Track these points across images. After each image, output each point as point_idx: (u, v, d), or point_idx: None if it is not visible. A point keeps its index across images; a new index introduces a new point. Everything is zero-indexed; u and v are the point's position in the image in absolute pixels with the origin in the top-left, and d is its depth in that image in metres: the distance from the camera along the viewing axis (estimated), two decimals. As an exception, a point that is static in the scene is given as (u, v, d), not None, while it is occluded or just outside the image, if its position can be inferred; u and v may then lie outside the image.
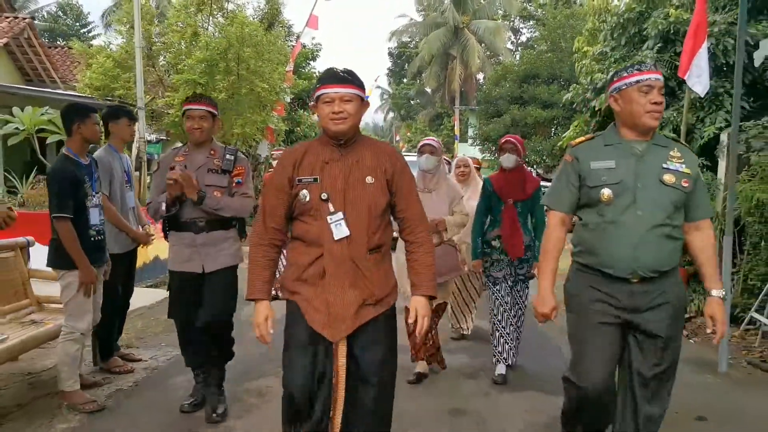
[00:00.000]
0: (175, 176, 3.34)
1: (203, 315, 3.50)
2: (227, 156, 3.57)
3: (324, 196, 2.41)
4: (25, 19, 13.74)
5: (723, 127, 6.87)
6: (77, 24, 40.93)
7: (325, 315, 2.40)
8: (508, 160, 4.50)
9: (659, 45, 7.62)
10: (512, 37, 41.11)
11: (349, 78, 2.44)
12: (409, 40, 42.23)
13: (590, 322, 2.61)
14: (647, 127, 2.54)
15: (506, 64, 25.71)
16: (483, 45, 35.83)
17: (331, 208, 2.40)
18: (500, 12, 37.65)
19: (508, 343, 4.54)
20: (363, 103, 2.47)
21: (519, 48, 39.29)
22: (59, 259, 3.45)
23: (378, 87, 42.97)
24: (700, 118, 7.15)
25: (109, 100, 12.39)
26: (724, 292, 2.67)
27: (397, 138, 35.62)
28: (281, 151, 7.01)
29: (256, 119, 12.43)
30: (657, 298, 2.54)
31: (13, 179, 9.22)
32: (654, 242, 2.49)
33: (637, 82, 2.51)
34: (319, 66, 20.17)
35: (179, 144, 8.13)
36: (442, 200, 4.33)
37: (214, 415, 3.50)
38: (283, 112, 14.81)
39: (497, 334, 4.54)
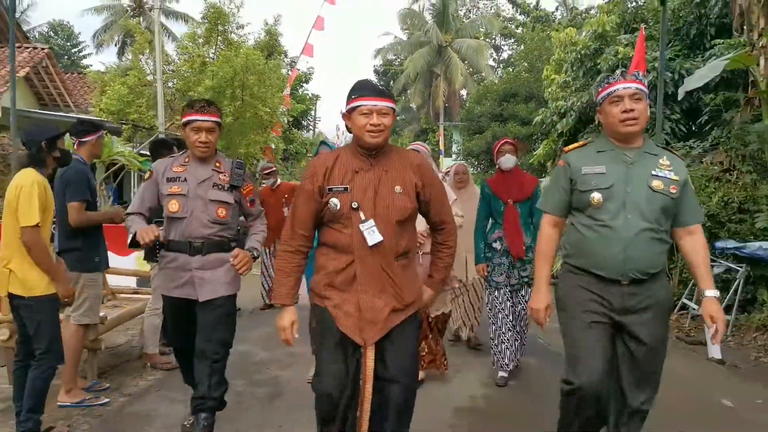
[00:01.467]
0: (243, 269, 3.20)
1: (198, 348, 3.25)
2: (236, 170, 3.29)
3: (354, 204, 2.45)
4: (44, 49, 14.83)
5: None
6: (68, 44, 41.78)
7: (356, 320, 2.46)
8: (508, 161, 4.52)
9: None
10: (494, 54, 42.56)
11: (386, 92, 2.52)
12: (394, 58, 43.40)
13: (583, 321, 2.64)
14: (624, 135, 2.60)
15: (487, 83, 27.04)
16: (466, 63, 37.09)
17: (362, 216, 2.45)
18: (482, 30, 39.02)
19: (509, 349, 4.53)
20: (395, 115, 2.55)
21: (501, 65, 40.76)
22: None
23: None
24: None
25: (123, 123, 13.56)
26: (717, 293, 2.67)
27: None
28: (271, 168, 7.53)
29: (258, 140, 13.67)
30: (646, 299, 2.58)
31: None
32: (643, 245, 2.53)
33: (608, 95, 2.62)
34: (311, 88, 21.44)
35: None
36: None
37: None
38: (280, 132, 16.04)
39: (499, 339, 4.56)
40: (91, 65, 38.24)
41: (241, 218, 3.48)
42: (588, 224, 2.62)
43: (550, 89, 10.75)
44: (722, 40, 8.16)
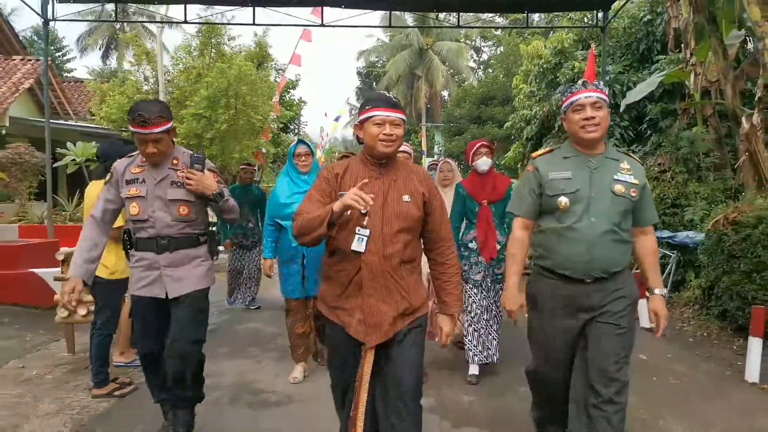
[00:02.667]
0: (194, 185, 3.03)
1: (168, 345, 3.17)
2: (195, 166, 3.08)
3: (364, 210, 2.43)
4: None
5: (612, 150, 9.30)
6: (52, 48, 42.04)
7: (364, 325, 2.53)
8: (485, 163, 4.55)
9: (568, 89, 10.11)
10: (474, 56, 43.65)
11: (398, 104, 2.59)
12: (376, 59, 44.34)
13: (552, 327, 2.81)
14: (586, 141, 2.71)
15: (466, 87, 28.13)
16: (446, 65, 38.04)
17: (364, 223, 2.50)
18: (462, 33, 40.04)
19: (485, 343, 4.61)
20: (404, 126, 2.60)
21: (481, 66, 41.88)
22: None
23: (348, 103, 45.12)
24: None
25: (123, 131, 14.47)
26: (665, 291, 3.11)
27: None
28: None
29: (251, 145, 14.64)
30: (611, 294, 2.70)
31: (61, 200, 11.30)
32: (605, 246, 2.65)
33: (571, 103, 2.74)
34: (298, 94, 22.35)
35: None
36: None
37: None
38: (269, 137, 17.01)
39: (473, 335, 4.61)
40: (75, 69, 38.76)
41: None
42: (555, 227, 2.75)
43: (518, 98, 11.86)
44: (664, 56, 9.29)
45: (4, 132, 13.92)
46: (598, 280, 2.69)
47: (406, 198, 2.56)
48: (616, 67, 9.76)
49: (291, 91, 21.69)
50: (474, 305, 4.61)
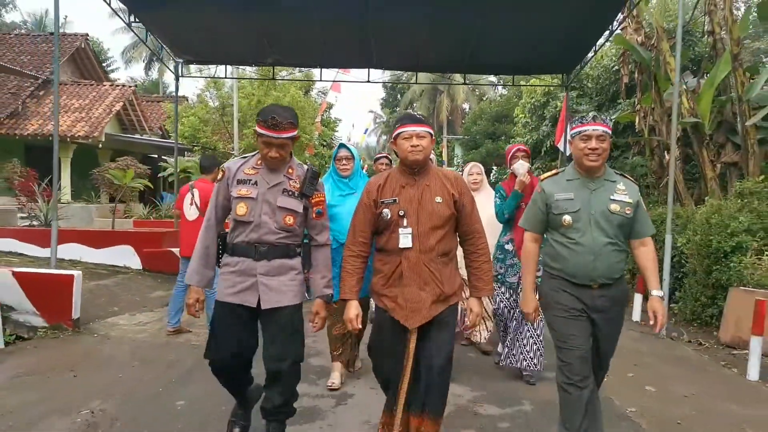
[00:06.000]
0: (317, 329, 3.21)
1: (266, 362, 3.14)
2: (310, 179, 3.14)
3: (401, 212, 2.89)
4: (130, 87, 18.90)
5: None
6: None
7: (405, 309, 2.90)
8: (522, 166, 4.59)
9: (551, 123, 12.95)
10: (494, 70, 45.86)
11: (423, 119, 2.98)
12: (401, 73, 46.86)
13: (566, 317, 3.04)
14: (587, 167, 3.00)
15: (482, 105, 30.74)
16: (467, 80, 40.46)
17: (405, 223, 2.89)
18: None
19: (532, 351, 4.54)
20: (432, 138, 2.97)
21: (501, 79, 44.20)
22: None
23: (371, 111, 47.43)
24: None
25: (195, 145, 17.61)
26: (663, 293, 3.09)
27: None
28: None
29: (299, 159, 17.67)
30: (611, 299, 3.02)
31: (156, 201, 14.48)
32: (606, 256, 2.95)
33: (579, 132, 3.01)
34: (335, 113, 25.22)
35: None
36: None
37: None
38: (313, 152, 20.12)
39: (514, 337, 4.63)
40: (119, 79, 41.87)
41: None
42: (562, 241, 3.04)
43: (516, 127, 14.71)
44: (625, 99, 12.13)
45: (100, 146, 17.11)
46: (602, 286, 2.99)
47: (438, 199, 2.91)
48: (590, 107, 12.56)
49: (328, 111, 24.77)
50: (514, 311, 4.68)
